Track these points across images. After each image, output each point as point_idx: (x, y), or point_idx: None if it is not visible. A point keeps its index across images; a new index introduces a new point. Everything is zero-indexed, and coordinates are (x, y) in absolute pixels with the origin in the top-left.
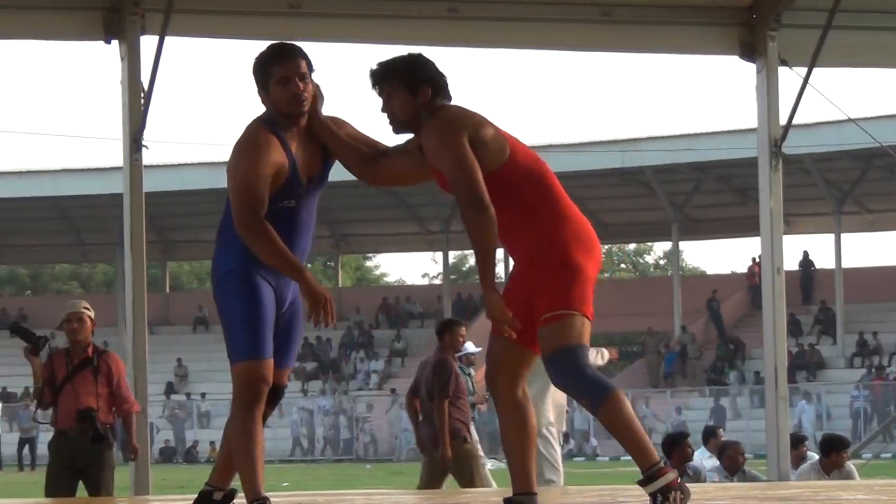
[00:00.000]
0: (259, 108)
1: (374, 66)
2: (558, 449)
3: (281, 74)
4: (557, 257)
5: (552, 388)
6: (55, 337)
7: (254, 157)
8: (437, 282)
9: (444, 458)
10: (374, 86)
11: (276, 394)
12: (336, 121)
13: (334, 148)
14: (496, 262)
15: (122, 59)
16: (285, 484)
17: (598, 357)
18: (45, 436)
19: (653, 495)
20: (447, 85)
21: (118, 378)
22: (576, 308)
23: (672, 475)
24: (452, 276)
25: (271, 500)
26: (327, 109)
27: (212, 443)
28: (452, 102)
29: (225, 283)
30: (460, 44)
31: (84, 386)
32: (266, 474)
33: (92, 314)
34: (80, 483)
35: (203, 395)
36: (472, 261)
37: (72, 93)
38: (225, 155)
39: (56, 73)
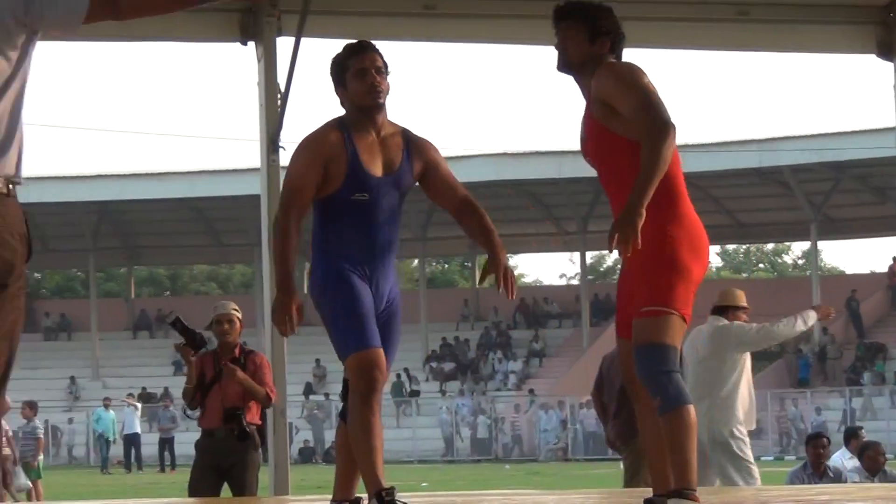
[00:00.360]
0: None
1: (562, 2)
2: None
3: (357, 66)
4: (666, 254)
5: (740, 387)
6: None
7: (299, 157)
8: (575, 282)
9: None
10: (556, 21)
11: None
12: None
13: None
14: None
15: (259, 60)
16: (424, 485)
17: (800, 322)
18: (183, 436)
19: None
20: (622, 47)
21: (262, 375)
22: (676, 308)
23: None
24: (590, 277)
25: (410, 500)
26: (471, 107)
27: None
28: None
29: (325, 284)
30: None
31: (231, 386)
32: (405, 475)
33: (240, 315)
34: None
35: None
36: (609, 261)
37: (209, 94)
38: None
39: (193, 75)
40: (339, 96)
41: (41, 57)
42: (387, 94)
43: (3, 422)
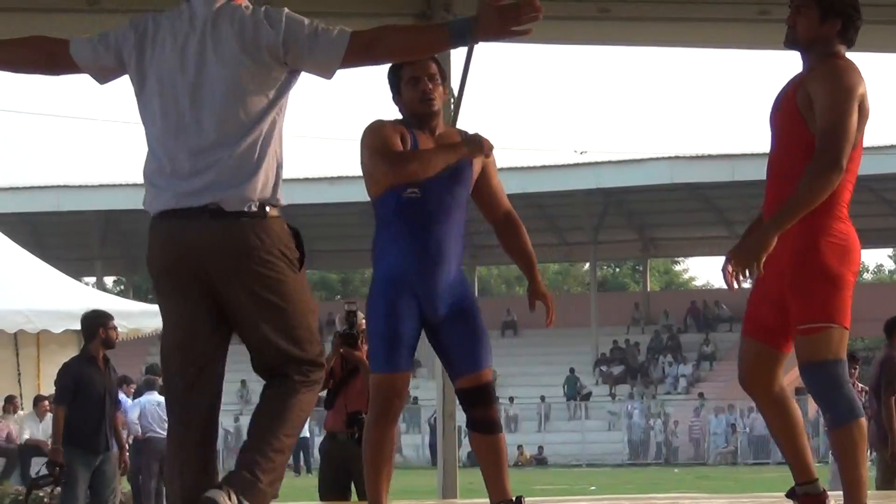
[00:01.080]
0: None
1: None
2: None
3: (411, 74)
4: (816, 265)
5: None
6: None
7: (380, 132)
8: (746, 285)
9: (894, 457)
10: None
11: (482, 394)
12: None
13: None
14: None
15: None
16: (592, 488)
17: None
18: (319, 439)
19: None
20: (855, 29)
21: None
22: (836, 321)
23: None
24: None
25: None
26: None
27: (519, 447)
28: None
29: (370, 294)
30: (769, 46)
31: (355, 389)
32: (573, 478)
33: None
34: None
35: (511, 399)
36: None
37: (382, 99)
38: (533, 159)
39: (367, 79)
40: (396, 104)
41: None
42: (441, 101)
43: None
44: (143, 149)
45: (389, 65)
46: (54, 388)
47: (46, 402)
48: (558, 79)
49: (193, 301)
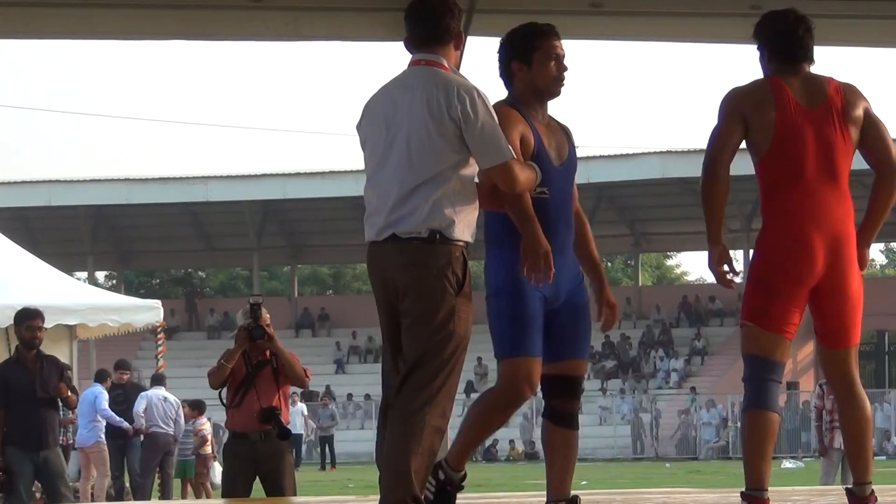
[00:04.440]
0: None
1: None
2: None
3: (552, 51)
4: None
5: None
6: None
7: (512, 130)
8: (738, 280)
9: None
10: None
11: (571, 385)
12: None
13: None
14: None
15: None
16: (584, 483)
17: None
18: (341, 434)
19: None
20: (778, 45)
21: (294, 362)
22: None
23: None
24: None
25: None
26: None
27: (511, 441)
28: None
29: (497, 282)
30: None
31: (264, 384)
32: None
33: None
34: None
35: None
36: None
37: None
38: None
39: (359, 74)
40: (513, 70)
41: (210, 56)
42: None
43: (207, 423)
44: (133, 143)
45: (512, 32)
46: None
47: None
48: None
49: None
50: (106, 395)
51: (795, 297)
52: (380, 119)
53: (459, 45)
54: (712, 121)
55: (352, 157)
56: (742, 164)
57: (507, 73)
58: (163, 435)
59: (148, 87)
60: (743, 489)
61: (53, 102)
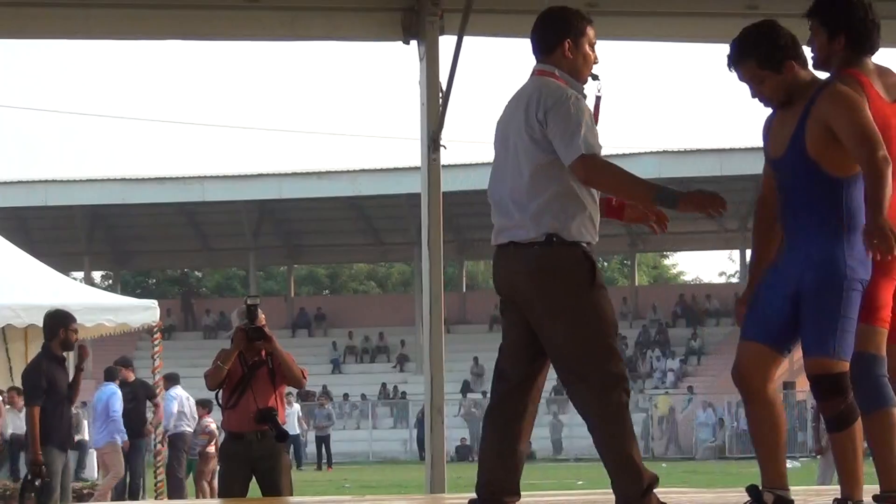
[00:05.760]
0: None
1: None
2: None
3: (594, 40)
4: None
5: None
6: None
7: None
8: (735, 280)
9: None
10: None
11: (813, 384)
12: None
13: None
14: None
15: (421, 59)
16: (580, 483)
17: None
18: (337, 434)
19: None
20: (866, 35)
21: (291, 363)
22: None
23: None
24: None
25: (565, 499)
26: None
27: None
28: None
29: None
30: None
31: (261, 384)
32: (560, 472)
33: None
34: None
35: None
36: None
37: (370, 93)
38: None
39: (355, 74)
40: (566, 46)
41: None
42: None
43: (213, 422)
44: (130, 143)
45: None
46: (23, 386)
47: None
48: None
49: None
50: (120, 395)
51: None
52: (499, 129)
53: (573, 49)
54: (710, 120)
55: (348, 157)
56: (742, 164)
57: (560, 47)
58: (189, 434)
59: (144, 87)
60: (877, 492)
61: (50, 102)
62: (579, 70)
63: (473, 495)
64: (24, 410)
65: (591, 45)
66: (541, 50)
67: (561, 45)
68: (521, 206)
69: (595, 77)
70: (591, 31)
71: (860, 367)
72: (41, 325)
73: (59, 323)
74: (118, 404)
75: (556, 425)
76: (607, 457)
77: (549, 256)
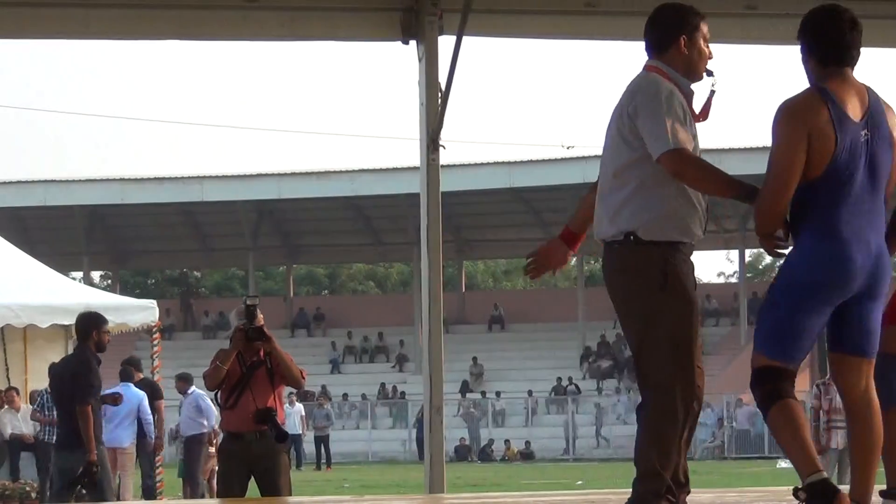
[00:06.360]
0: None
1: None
2: None
3: (708, 35)
4: None
5: None
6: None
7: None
8: (734, 280)
9: None
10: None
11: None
12: None
13: None
14: None
15: (420, 59)
16: (580, 483)
17: None
18: (337, 434)
19: None
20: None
21: (289, 362)
22: None
23: None
24: (749, 275)
25: (567, 499)
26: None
27: (506, 441)
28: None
29: None
30: (756, 41)
31: (260, 385)
32: (561, 472)
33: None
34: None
35: (498, 393)
36: (767, 259)
37: (369, 93)
38: (520, 154)
39: (354, 74)
40: (681, 43)
41: (205, 56)
42: None
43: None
44: (129, 143)
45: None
46: (73, 384)
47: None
48: (545, 73)
49: None
50: (146, 398)
51: None
52: (609, 122)
53: (689, 45)
54: (709, 120)
55: (347, 157)
56: (740, 164)
57: (675, 44)
58: (209, 434)
59: (143, 88)
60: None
61: (49, 102)
62: (695, 65)
63: (474, 495)
64: (26, 410)
65: (706, 41)
66: (655, 48)
67: (676, 41)
68: (605, 202)
69: (710, 73)
70: (704, 27)
71: (885, 366)
72: (40, 325)
73: (92, 325)
74: (148, 408)
75: (557, 425)
76: (636, 455)
77: (624, 256)
